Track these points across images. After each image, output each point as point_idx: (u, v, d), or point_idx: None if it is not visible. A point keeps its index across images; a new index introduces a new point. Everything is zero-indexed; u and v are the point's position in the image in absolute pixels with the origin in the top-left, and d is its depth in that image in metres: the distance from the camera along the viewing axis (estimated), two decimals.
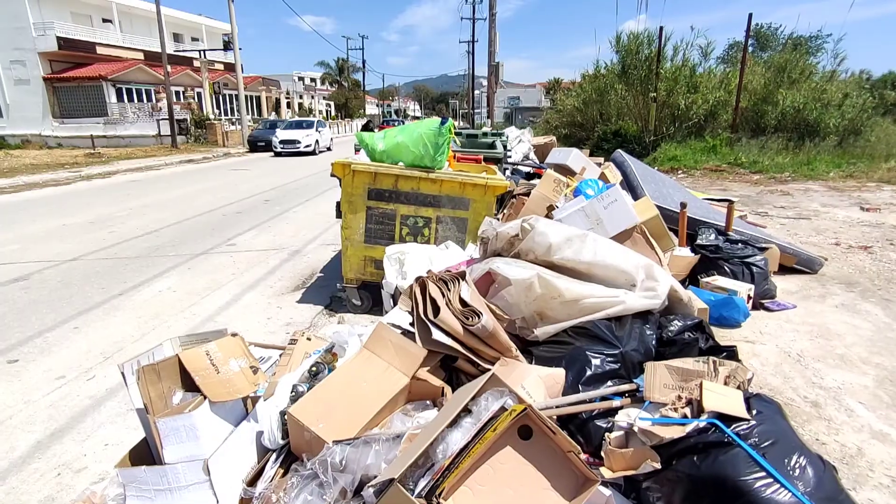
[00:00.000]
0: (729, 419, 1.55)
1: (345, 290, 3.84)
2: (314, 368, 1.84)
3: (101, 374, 3.01)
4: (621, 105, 14.53)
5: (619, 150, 5.59)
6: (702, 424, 1.55)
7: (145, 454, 1.63)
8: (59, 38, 22.25)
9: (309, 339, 2.21)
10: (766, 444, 1.47)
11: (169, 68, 21.04)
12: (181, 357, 1.64)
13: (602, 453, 1.75)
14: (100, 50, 24.24)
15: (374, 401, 1.62)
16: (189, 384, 1.65)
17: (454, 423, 1.33)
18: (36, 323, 3.78)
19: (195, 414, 1.50)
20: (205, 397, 1.57)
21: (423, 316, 1.85)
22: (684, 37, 20.03)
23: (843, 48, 13.64)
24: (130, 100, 24.22)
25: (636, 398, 1.93)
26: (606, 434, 1.81)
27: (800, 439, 1.56)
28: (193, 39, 31.96)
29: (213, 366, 1.67)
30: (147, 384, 1.55)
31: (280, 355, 2.18)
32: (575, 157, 5.67)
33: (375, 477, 1.33)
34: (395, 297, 3.19)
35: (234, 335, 1.88)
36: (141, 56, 25.99)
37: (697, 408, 1.63)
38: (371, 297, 3.82)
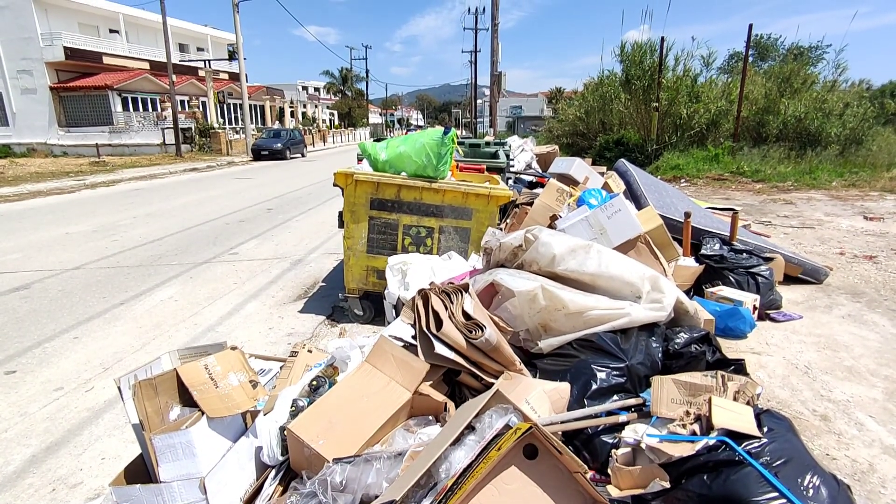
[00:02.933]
0: (739, 436, 1.51)
1: (347, 300, 3.81)
2: (315, 382, 1.81)
3: (100, 385, 2.98)
4: (623, 114, 14.57)
5: (623, 160, 5.58)
6: (711, 442, 1.51)
7: (141, 471, 1.59)
8: (66, 48, 22.52)
9: (310, 351, 2.18)
10: (778, 462, 1.43)
11: (174, 78, 21.23)
12: (179, 371, 1.61)
13: (609, 470, 1.71)
14: (106, 60, 24.51)
15: (376, 416, 1.59)
16: (187, 399, 1.62)
17: (457, 441, 1.30)
18: (35, 333, 3.76)
19: (192, 430, 1.47)
20: (202, 413, 1.54)
21: (425, 329, 1.82)
22: (685, 47, 20.14)
23: (844, 58, 13.66)
24: (136, 109, 24.42)
25: (643, 413, 1.90)
26: (613, 450, 1.77)
27: (813, 458, 1.52)
28: (199, 49, 32.31)
29: (212, 380, 1.64)
30: (144, 399, 1.52)
31: (281, 368, 2.15)
32: (578, 167, 5.66)
33: (376, 497, 1.29)
34: (397, 308, 3.16)
35: (233, 348, 1.85)
36: (147, 66, 26.26)
37: (706, 424, 1.60)
38: (373, 308, 3.80)
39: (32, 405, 2.78)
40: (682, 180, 10.98)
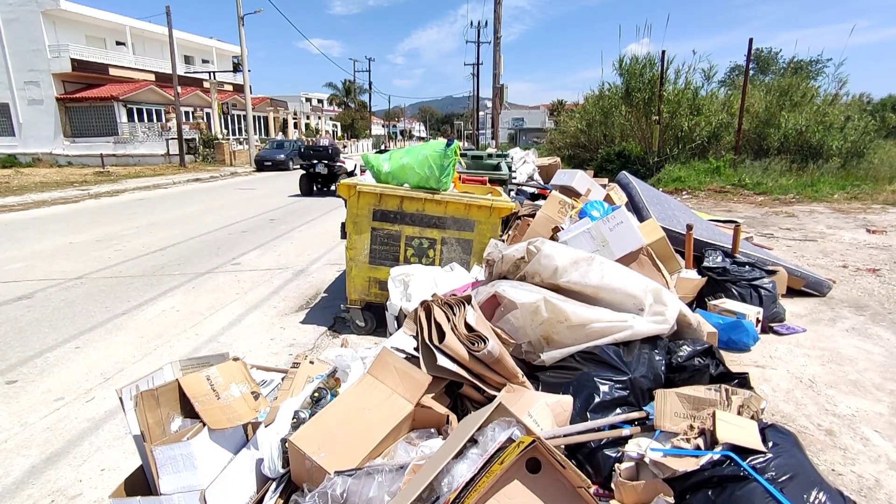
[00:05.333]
0: (744, 451, 1.50)
1: (349, 311, 3.81)
2: (317, 394, 1.80)
3: (101, 395, 2.97)
4: (625, 126, 14.67)
5: (624, 172, 5.60)
6: (716, 457, 1.50)
7: (141, 483, 1.58)
8: (73, 60, 22.83)
9: (312, 362, 2.18)
10: (783, 478, 1.41)
11: (179, 89, 21.48)
12: (181, 382, 1.61)
13: (612, 485, 1.69)
14: (112, 71, 24.82)
15: (378, 429, 1.58)
16: (189, 410, 1.61)
17: (460, 455, 1.29)
18: (37, 342, 3.76)
19: (193, 442, 1.46)
20: (204, 424, 1.54)
21: (428, 341, 1.82)
22: (686, 60, 20.32)
23: (845, 71, 13.83)
24: (141, 119, 24.67)
25: (646, 427, 1.88)
26: (616, 464, 1.76)
27: (818, 473, 1.50)
28: (204, 61, 32.70)
29: (214, 391, 1.64)
30: (145, 410, 1.52)
31: (282, 379, 2.14)
32: (580, 179, 5.68)
33: None
34: (399, 319, 3.16)
35: (235, 359, 1.85)
36: (152, 77, 26.57)
37: (711, 439, 1.58)
38: (375, 319, 3.79)
39: (33, 415, 2.77)
40: (684, 192, 11.01)
